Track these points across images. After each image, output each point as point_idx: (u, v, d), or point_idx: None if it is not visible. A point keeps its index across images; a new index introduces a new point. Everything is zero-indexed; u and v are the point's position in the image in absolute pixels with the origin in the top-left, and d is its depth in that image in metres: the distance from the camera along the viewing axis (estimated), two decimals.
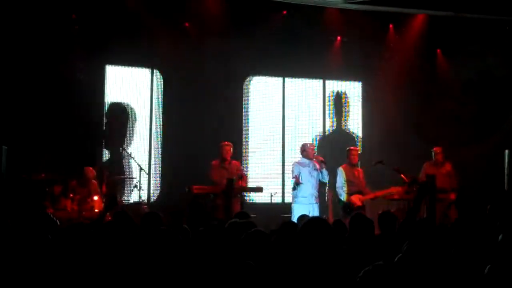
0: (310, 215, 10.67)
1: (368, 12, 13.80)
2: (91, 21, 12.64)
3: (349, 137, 14.79)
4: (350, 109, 15.36)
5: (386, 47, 15.03)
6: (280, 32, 13.85)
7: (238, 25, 13.43)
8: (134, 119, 13.68)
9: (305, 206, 11.29)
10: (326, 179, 11.78)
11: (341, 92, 15.28)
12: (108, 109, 13.37)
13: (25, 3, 11.79)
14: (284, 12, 13.90)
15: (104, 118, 13.23)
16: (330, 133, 15.08)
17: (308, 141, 13.47)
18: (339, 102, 15.21)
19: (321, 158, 11.73)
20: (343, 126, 15.20)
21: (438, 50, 15.27)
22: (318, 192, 11.74)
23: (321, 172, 11.62)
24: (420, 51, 14.92)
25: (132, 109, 13.71)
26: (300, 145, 12.14)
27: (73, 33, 12.61)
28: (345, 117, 15.22)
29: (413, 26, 14.75)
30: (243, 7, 13.27)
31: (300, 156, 11.88)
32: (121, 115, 13.44)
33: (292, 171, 11.74)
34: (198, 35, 13.55)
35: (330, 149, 14.00)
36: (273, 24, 13.85)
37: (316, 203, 11.59)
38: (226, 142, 11.85)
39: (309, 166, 11.62)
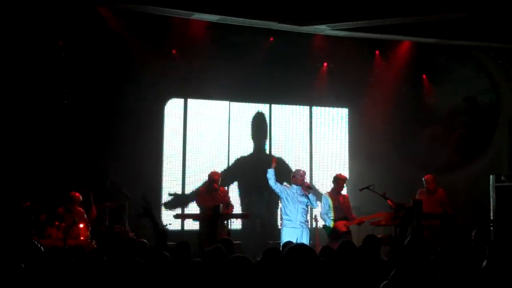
0: (299, 240, 10.70)
1: (355, 38, 13.87)
2: (78, 48, 12.62)
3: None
4: (337, 135, 15.38)
5: (373, 73, 15.12)
6: (267, 58, 13.91)
7: (225, 52, 13.49)
8: None
9: (294, 230, 11.32)
10: (314, 205, 11.78)
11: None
12: None
13: (11, 31, 11.76)
14: (271, 38, 13.96)
15: None
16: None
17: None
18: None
19: (307, 184, 11.74)
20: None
21: (424, 76, 15.37)
22: (306, 218, 11.72)
23: (309, 198, 11.62)
24: (406, 77, 15.02)
25: None
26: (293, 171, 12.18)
27: (60, 59, 12.59)
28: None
29: (399, 53, 14.86)
30: (230, 34, 13.33)
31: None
32: None
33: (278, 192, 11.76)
34: (184, 61, 13.55)
35: None
36: (260, 50, 13.91)
37: (304, 228, 11.59)
38: (214, 172, 11.88)
39: (296, 192, 11.63)
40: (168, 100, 14.11)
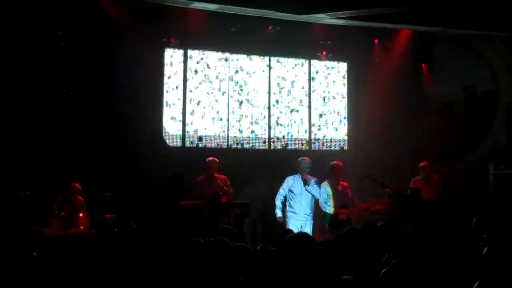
0: (302, 229, 10.78)
1: (354, 27, 13.85)
2: (77, 37, 12.60)
3: None
4: (335, 123, 15.36)
5: (372, 62, 15.11)
6: (266, 47, 13.89)
7: (223, 41, 13.49)
8: None
9: (297, 222, 11.36)
10: (317, 195, 11.80)
11: None
12: None
13: (10, 20, 11.75)
14: (270, 27, 13.93)
15: None
16: None
17: None
18: None
19: (305, 177, 11.73)
20: None
21: (423, 65, 15.35)
22: (311, 209, 11.75)
23: (307, 190, 11.66)
24: (405, 66, 15.00)
25: None
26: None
27: (60, 49, 12.58)
28: None
29: (398, 41, 14.84)
30: (228, 23, 13.32)
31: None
32: None
33: (282, 185, 11.76)
34: (183, 49, 13.54)
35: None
36: (259, 39, 13.89)
37: (308, 220, 11.62)
38: (211, 159, 11.86)
39: (301, 183, 11.66)
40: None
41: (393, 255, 6.03)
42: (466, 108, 15.31)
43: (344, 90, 15.37)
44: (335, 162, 12.32)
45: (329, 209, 11.76)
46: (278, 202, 11.78)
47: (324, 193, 11.85)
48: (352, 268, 5.80)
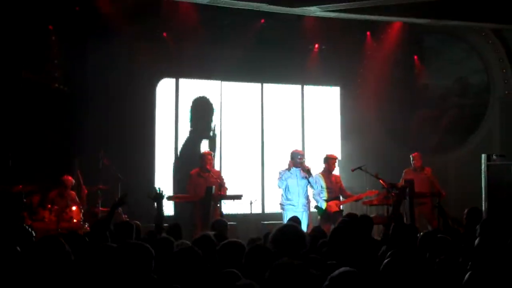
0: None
1: (346, 20, 13.85)
2: (68, 32, 12.56)
3: None
4: (329, 117, 15.36)
5: (364, 55, 15.11)
6: (258, 40, 13.88)
7: (215, 34, 13.47)
8: None
9: (296, 214, 11.30)
10: (315, 187, 11.79)
11: None
12: None
13: (1, 14, 11.71)
14: (262, 20, 13.91)
15: None
16: None
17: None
18: None
19: (307, 168, 11.72)
20: None
21: (415, 57, 15.36)
22: (307, 200, 11.75)
23: (309, 181, 11.66)
24: (397, 58, 15.02)
25: None
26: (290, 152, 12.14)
27: (51, 43, 12.55)
28: None
29: (390, 34, 14.83)
30: (220, 16, 13.28)
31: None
32: None
33: (280, 178, 11.73)
34: (175, 44, 13.50)
35: None
36: (251, 32, 13.87)
37: (305, 210, 11.61)
38: (207, 152, 11.86)
39: (296, 175, 11.64)
40: (160, 80, 13.98)
41: (388, 247, 6.04)
42: (459, 100, 15.34)
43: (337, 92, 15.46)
44: (328, 154, 12.34)
45: (322, 202, 11.74)
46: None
47: (318, 185, 11.85)
48: (348, 260, 5.81)
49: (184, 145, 14.08)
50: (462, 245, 6.45)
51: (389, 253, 5.13)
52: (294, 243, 5.20)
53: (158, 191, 8.14)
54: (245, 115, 14.75)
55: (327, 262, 5.32)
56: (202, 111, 14.39)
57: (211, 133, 14.32)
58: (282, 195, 11.76)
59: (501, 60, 14.91)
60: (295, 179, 11.64)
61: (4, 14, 11.71)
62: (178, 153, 13.95)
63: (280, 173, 11.84)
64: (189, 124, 14.27)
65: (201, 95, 14.41)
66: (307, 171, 11.64)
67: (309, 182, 11.67)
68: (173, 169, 13.77)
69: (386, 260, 4.66)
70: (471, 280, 4.42)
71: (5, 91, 11.96)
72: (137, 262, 4.62)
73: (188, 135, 14.24)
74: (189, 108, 14.28)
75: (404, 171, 12.63)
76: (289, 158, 11.85)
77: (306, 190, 11.74)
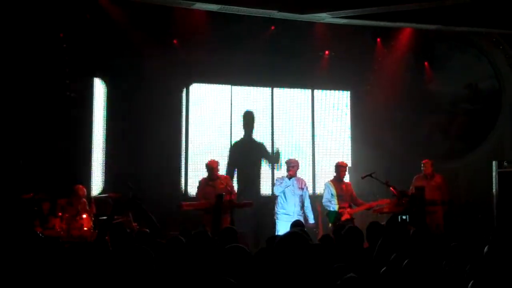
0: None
1: (356, 26, 13.84)
2: (79, 39, 12.61)
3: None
4: (339, 122, 15.35)
5: (374, 61, 15.10)
6: (268, 47, 13.89)
7: (225, 41, 13.50)
8: None
9: (289, 224, 11.24)
10: (306, 201, 11.77)
11: None
12: None
13: (12, 23, 11.76)
14: (272, 27, 13.93)
15: None
16: None
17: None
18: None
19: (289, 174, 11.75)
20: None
21: (426, 63, 15.34)
22: (301, 210, 11.70)
23: (304, 193, 11.67)
24: (408, 64, 15.00)
25: None
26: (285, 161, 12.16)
27: (62, 51, 12.60)
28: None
29: (400, 40, 14.82)
30: (231, 23, 13.30)
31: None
32: None
33: (280, 184, 11.71)
34: (186, 51, 13.53)
35: None
36: (261, 39, 13.89)
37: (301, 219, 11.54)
38: (212, 160, 11.85)
39: (292, 184, 11.63)
40: (171, 87, 14.02)
41: (399, 254, 6.02)
42: (469, 106, 15.28)
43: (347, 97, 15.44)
44: (339, 161, 12.33)
45: (334, 207, 11.77)
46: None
47: (328, 192, 11.88)
48: (354, 266, 5.80)
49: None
50: (472, 252, 6.43)
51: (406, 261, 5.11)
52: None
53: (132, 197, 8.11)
54: (256, 119, 14.72)
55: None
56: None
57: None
58: (276, 203, 11.73)
59: (511, 66, 14.83)
60: (292, 189, 11.62)
61: (15, 21, 11.77)
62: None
63: (278, 180, 11.84)
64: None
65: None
66: (289, 175, 11.63)
67: (303, 193, 11.67)
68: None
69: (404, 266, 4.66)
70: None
71: (16, 99, 12.00)
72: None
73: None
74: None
75: (414, 177, 12.60)
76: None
77: (300, 200, 11.69)
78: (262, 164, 14.44)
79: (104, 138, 13.13)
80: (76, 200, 11.42)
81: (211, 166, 11.67)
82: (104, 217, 10.42)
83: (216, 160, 11.91)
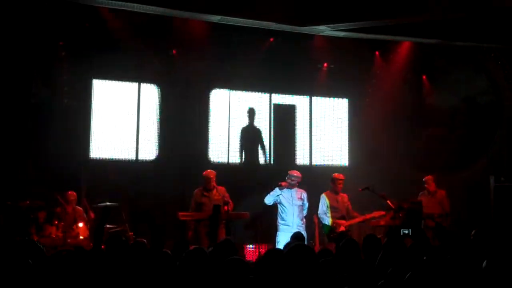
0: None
1: (355, 39, 13.88)
2: (78, 48, 12.63)
3: None
4: (337, 135, 15.36)
5: (373, 74, 15.14)
6: (267, 59, 13.92)
7: (224, 52, 13.55)
8: None
9: (289, 234, 11.19)
10: (305, 210, 11.76)
11: None
12: None
13: (12, 30, 11.77)
14: (271, 39, 13.96)
15: None
16: None
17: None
18: None
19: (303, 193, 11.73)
20: None
21: (424, 77, 15.37)
22: (302, 220, 11.66)
23: (303, 204, 11.64)
24: (406, 78, 15.03)
25: None
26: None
27: (61, 59, 12.61)
28: None
29: (399, 53, 14.86)
30: (230, 34, 13.33)
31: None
32: None
33: (271, 195, 11.67)
34: (185, 60, 13.56)
35: None
36: (260, 51, 13.92)
37: (302, 230, 11.48)
38: (209, 171, 11.80)
39: (291, 195, 11.58)
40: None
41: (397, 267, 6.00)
42: (467, 120, 15.29)
43: (345, 104, 15.44)
44: (335, 174, 12.29)
45: (328, 220, 11.74)
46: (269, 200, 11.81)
47: (324, 204, 11.85)
48: (351, 280, 5.78)
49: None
50: (469, 266, 6.40)
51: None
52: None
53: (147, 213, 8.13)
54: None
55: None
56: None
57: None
58: (277, 215, 11.70)
59: (510, 81, 14.85)
60: (290, 199, 11.58)
61: (16, 30, 11.77)
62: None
63: (270, 192, 11.79)
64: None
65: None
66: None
67: (303, 204, 11.64)
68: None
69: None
70: None
71: (14, 106, 11.99)
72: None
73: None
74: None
75: (420, 194, 12.52)
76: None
77: (301, 211, 11.66)
78: None
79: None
80: (71, 207, 11.38)
81: (209, 176, 11.60)
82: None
83: (213, 170, 11.85)
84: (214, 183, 11.57)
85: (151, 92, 13.73)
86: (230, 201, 11.45)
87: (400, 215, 10.83)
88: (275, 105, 14.84)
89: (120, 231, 11.01)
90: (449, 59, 14.95)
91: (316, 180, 13.22)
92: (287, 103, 15.08)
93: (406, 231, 10.19)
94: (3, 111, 11.87)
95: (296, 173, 11.91)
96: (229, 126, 14.41)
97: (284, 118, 14.98)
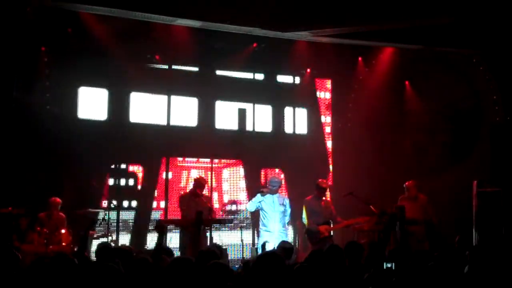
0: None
1: (337, 45, 13.92)
2: (60, 54, 12.58)
3: None
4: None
5: (356, 80, 15.18)
6: (250, 64, 13.94)
7: (209, 57, 13.58)
8: None
9: (272, 239, 11.13)
10: (287, 216, 11.69)
11: None
12: None
13: None
14: (255, 44, 13.97)
15: None
16: None
17: None
18: None
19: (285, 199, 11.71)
20: None
21: (407, 82, 15.43)
22: (284, 227, 11.59)
23: (285, 210, 11.57)
24: (389, 83, 15.07)
25: None
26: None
27: (43, 65, 12.55)
28: None
29: (381, 59, 14.93)
30: (213, 39, 13.34)
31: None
32: None
33: (253, 201, 11.62)
34: (167, 65, 13.58)
35: None
36: (243, 56, 13.93)
37: (281, 237, 11.34)
38: (200, 176, 11.76)
39: (273, 201, 11.50)
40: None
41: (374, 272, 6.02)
42: (449, 126, 15.34)
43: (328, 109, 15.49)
44: (319, 179, 12.21)
45: (311, 225, 11.64)
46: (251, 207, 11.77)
47: (307, 210, 11.75)
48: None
49: None
50: (452, 271, 6.43)
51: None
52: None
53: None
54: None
55: None
56: None
57: None
58: (259, 220, 11.64)
59: (491, 87, 14.93)
60: (273, 205, 11.50)
61: None
62: None
63: (252, 199, 11.74)
64: None
65: None
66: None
67: (285, 210, 11.58)
68: None
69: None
70: None
71: None
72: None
73: None
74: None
75: (399, 198, 12.46)
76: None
77: (283, 217, 11.59)
78: None
79: None
80: (53, 213, 11.29)
81: (203, 183, 11.56)
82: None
83: (204, 177, 11.82)
84: (201, 189, 11.46)
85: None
86: (213, 208, 11.41)
87: (383, 220, 10.84)
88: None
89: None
90: (432, 65, 15.01)
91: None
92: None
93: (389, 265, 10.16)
94: None
95: (277, 178, 11.89)
96: None
97: None
